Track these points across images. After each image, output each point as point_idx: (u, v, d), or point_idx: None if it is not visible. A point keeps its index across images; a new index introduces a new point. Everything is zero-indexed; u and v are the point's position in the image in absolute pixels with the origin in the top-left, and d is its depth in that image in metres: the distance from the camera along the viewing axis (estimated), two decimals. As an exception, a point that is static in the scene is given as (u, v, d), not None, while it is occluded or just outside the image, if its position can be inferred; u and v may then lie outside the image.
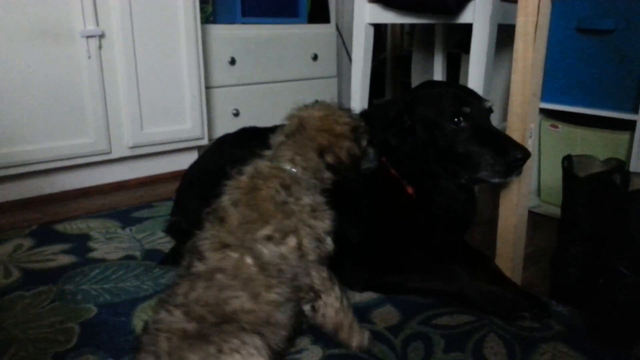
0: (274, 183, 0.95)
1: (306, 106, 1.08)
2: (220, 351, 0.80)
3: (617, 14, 1.60)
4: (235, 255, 0.88)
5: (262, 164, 1.00)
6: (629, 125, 1.60)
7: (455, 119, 1.18)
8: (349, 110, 1.08)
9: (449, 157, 1.19)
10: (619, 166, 1.19)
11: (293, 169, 0.99)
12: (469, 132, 1.18)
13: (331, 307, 0.99)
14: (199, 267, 0.89)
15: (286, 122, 1.07)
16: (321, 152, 1.00)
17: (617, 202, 1.07)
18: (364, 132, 1.07)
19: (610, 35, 1.62)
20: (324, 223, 0.98)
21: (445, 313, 1.16)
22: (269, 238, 0.91)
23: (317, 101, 1.13)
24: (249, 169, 0.99)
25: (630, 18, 1.57)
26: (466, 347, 1.04)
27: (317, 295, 0.99)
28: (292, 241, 0.93)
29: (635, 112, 1.57)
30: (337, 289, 1.01)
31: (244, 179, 0.97)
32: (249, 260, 0.88)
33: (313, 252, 0.96)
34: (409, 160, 1.23)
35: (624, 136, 1.64)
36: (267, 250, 0.90)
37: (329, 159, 1.01)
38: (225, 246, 0.89)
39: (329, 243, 0.99)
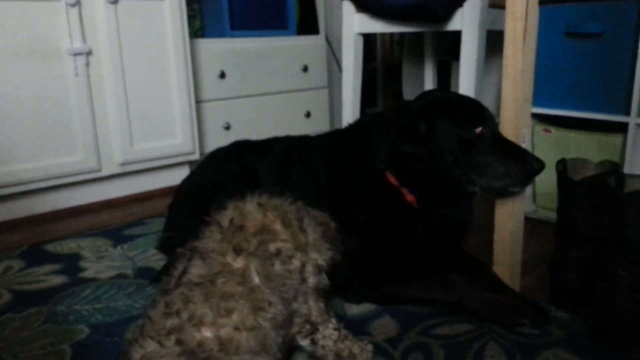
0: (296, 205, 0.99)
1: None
2: None
3: (605, 17, 1.60)
4: (242, 262, 0.86)
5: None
6: (621, 128, 1.61)
7: (478, 127, 1.17)
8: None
9: (469, 165, 1.18)
10: (614, 168, 1.18)
11: None
12: (489, 141, 1.18)
13: (330, 338, 0.98)
14: (198, 271, 0.84)
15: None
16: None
17: (613, 205, 1.06)
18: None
19: (599, 38, 1.63)
20: (327, 254, 0.99)
21: (444, 322, 1.14)
22: (278, 252, 0.90)
23: None
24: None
25: (617, 21, 1.58)
26: (466, 356, 1.02)
27: (315, 328, 0.97)
28: (296, 262, 0.92)
29: (627, 114, 1.57)
30: (334, 320, 1.00)
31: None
32: (254, 270, 0.85)
33: (313, 279, 0.95)
34: (421, 167, 1.21)
35: (617, 139, 1.64)
36: (276, 263, 0.89)
37: (337, 257, 1.07)
38: (235, 252, 0.86)
39: (324, 278, 0.99)
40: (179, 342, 0.78)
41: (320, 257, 0.97)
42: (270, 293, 0.86)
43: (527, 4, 1.13)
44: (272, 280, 0.87)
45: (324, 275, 0.99)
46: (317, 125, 2.84)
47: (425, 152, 1.19)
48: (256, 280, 0.85)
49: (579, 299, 1.16)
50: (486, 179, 1.18)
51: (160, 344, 0.78)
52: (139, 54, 2.03)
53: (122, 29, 1.96)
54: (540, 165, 1.15)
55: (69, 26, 1.85)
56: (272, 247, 0.90)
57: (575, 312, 1.16)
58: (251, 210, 0.93)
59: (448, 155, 1.18)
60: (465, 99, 1.28)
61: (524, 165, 1.15)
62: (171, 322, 0.79)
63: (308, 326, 0.96)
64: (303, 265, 0.93)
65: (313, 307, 0.96)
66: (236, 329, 0.80)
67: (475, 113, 1.20)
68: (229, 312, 0.80)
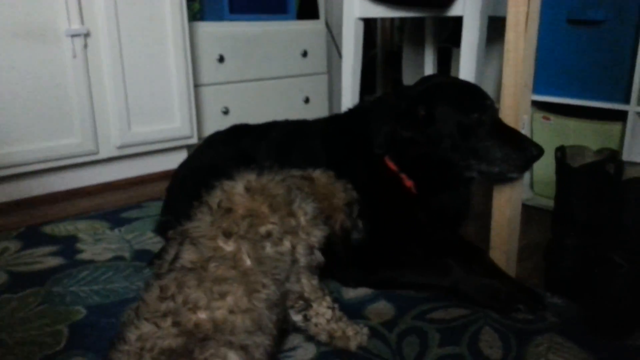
0: (288, 182, 0.97)
1: (310, 170, 1.11)
2: None
3: (607, 5, 1.59)
4: (232, 246, 0.86)
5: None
6: (621, 116, 1.60)
7: (477, 113, 1.17)
8: (345, 182, 1.11)
9: (468, 150, 1.18)
10: (612, 156, 1.18)
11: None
12: (489, 127, 1.18)
13: (323, 316, 0.99)
14: (189, 256, 0.84)
15: (295, 174, 1.08)
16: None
17: (611, 192, 1.07)
18: (357, 205, 1.11)
19: (600, 26, 1.62)
20: (318, 235, 0.98)
21: (440, 307, 1.15)
22: (268, 235, 0.90)
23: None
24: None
25: (619, 9, 1.57)
26: (461, 341, 1.03)
27: (308, 304, 0.98)
28: (287, 244, 0.92)
29: (627, 102, 1.56)
30: (328, 298, 1.00)
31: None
32: (245, 253, 0.86)
33: (304, 259, 0.95)
34: (421, 151, 1.21)
35: (616, 126, 1.64)
36: (267, 245, 0.89)
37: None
38: (225, 235, 0.86)
39: (318, 255, 0.99)
40: (175, 324, 0.78)
41: (310, 238, 0.97)
42: (262, 275, 0.86)
43: (530, -11, 1.12)
44: (264, 263, 0.87)
45: (317, 254, 0.99)
46: (316, 111, 2.83)
47: (424, 137, 1.19)
48: (248, 263, 0.85)
49: (575, 285, 1.16)
50: (485, 164, 1.18)
51: (157, 325, 0.78)
52: (137, 36, 2.01)
53: (120, 11, 1.94)
54: (539, 151, 1.15)
55: (67, 7, 1.83)
56: (263, 230, 0.90)
57: (571, 299, 1.16)
58: (239, 193, 0.93)
59: (447, 140, 1.18)
60: (465, 84, 1.28)
61: (523, 151, 1.15)
62: (166, 305, 0.80)
63: (301, 302, 0.97)
64: (293, 247, 0.93)
65: (305, 284, 0.96)
66: (231, 311, 0.81)
67: (474, 98, 1.20)
68: (222, 296, 0.81)
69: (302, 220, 0.95)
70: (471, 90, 1.23)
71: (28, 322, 1.11)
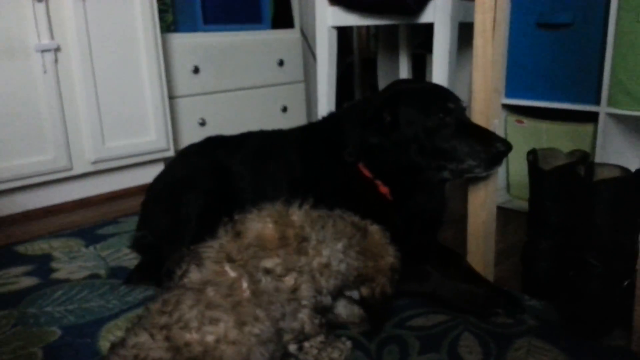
0: (315, 221, 0.95)
1: (367, 222, 1.06)
2: None
3: (575, 8, 1.62)
4: (234, 273, 0.85)
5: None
6: (592, 117, 1.63)
7: (440, 114, 1.18)
8: (395, 247, 1.07)
9: (435, 151, 1.18)
10: (583, 157, 1.19)
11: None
12: (454, 127, 1.18)
13: (316, 348, 0.97)
14: (194, 276, 0.84)
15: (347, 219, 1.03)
16: (362, 280, 1.01)
17: (582, 194, 1.08)
18: (398, 273, 1.07)
19: (569, 28, 1.64)
20: (328, 283, 0.95)
21: (419, 314, 1.15)
22: (268, 271, 0.88)
23: None
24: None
25: (587, 11, 1.60)
26: (441, 347, 1.03)
27: (306, 338, 0.95)
28: (289, 281, 0.89)
29: (597, 103, 1.58)
30: (324, 333, 0.97)
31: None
32: (245, 283, 0.85)
33: (307, 301, 0.92)
34: (390, 157, 1.21)
35: (588, 128, 1.67)
36: (264, 280, 0.87)
37: (364, 291, 1.02)
38: (229, 260, 0.86)
39: (327, 300, 0.97)
40: (167, 338, 0.79)
41: (320, 282, 0.93)
42: (257, 308, 0.84)
43: (497, -5, 1.13)
44: (260, 297, 0.85)
45: (326, 298, 0.96)
46: (294, 120, 2.82)
47: (391, 142, 1.20)
48: (245, 294, 0.84)
49: (551, 287, 1.17)
50: (453, 163, 1.18)
51: (152, 337, 0.80)
52: (109, 49, 1.99)
53: (91, 25, 1.92)
54: (506, 147, 1.16)
55: (36, 22, 1.81)
56: (264, 263, 0.88)
57: (548, 301, 1.17)
58: (252, 218, 0.91)
59: (413, 144, 1.18)
60: (431, 87, 1.29)
61: (489, 147, 1.16)
62: (164, 320, 0.81)
63: (301, 336, 0.94)
64: (296, 287, 0.90)
65: (307, 322, 0.92)
66: (218, 341, 0.80)
67: (438, 101, 1.20)
68: (212, 322, 0.81)
69: (314, 262, 0.92)
70: (435, 93, 1.24)
71: (1, 345, 1.08)
